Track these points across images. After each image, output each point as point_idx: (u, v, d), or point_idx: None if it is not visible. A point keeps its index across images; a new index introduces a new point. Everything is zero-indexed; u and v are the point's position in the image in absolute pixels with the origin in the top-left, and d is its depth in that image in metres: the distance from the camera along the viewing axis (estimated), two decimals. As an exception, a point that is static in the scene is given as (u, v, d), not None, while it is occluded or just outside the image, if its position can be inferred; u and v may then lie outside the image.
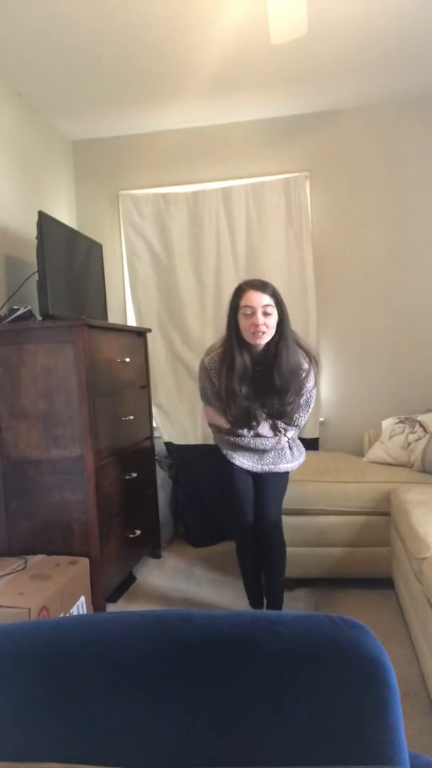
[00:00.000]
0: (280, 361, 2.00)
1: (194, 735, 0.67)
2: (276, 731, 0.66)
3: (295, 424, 2.14)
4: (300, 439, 3.49)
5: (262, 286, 1.97)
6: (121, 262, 3.60)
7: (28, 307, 2.51)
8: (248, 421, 2.08)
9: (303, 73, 2.90)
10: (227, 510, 2.33)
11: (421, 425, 2.90)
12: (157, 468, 3.26)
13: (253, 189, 3.36)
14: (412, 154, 3.31)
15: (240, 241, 3.36)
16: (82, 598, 2.23)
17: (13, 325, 2.38)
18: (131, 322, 3.60)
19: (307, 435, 3.37)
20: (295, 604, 2.51)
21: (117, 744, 0.68)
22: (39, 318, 2.49)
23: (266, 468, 2.20)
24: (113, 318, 3.55)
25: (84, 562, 2.28)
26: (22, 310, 2.46)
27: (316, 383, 2.12)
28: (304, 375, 2.05)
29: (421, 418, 2.96)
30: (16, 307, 2.49)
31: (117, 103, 3.12)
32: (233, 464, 2.20)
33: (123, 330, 2.83)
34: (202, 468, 3.33)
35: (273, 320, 1.97)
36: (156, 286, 3.50)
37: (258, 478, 2.24)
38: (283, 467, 2.21)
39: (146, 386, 3.12)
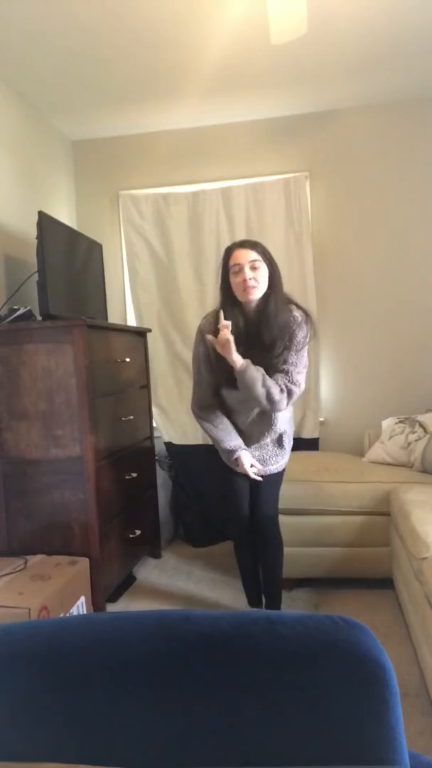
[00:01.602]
0: (269, 312, 1.97)
1: (194, 735, 0.67)
2: (276, 731, 0.66)
3: (294, 380, 1.99)
4: (300, 439, 3.50)
5: (248, 243, 2.01)
6: (121, 262, 3.60)
7: (28, 307, 2.51)
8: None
9: (303, 73, 2.90)
10: (224, 507, 2.33)
11: (421, 425, 2.90)
12: (157, 468, 3.26)
13: (253, 189, 3.36)
14: (412, 154, 3.31)
15: (240, 241, 3.36)
16: (82, 598, 2.23)
17: (13, 325, 2.38)
18: (131, 322, 3.60)
19: (307, 435, 3.37)
20: (295, 604, 2.51)
21: (117, 744, 0.68)
22: (39, 318, 2.49)
23: (270, 469, 2.19)
24: (113, 318, 3.55)
25: (84, 562, 2.28)
26: (22, 310, 2.46)
27: (310, 339, 2.03)
28: (295, 327, 1.99)
29: (421, 418, 2.96)
30: (16, 307, 2.49)
31: (117, 103, 3.12)
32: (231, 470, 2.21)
33: (123, 330, 2.83)
34: (202, 468, 3.33)
35: (262, 274, 1.97)
36: (156, 286, 3.50)
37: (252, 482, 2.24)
38: (272, 468, 2.19)
39: (146, 386, 3.12)
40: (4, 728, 0.71)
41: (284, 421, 2.18)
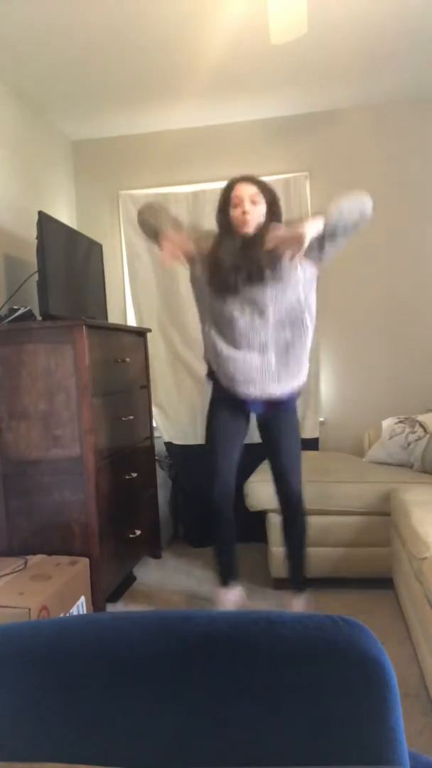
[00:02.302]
0: (257, 240, 1.98)
1: (194, 735, 0.67)
2: (276, 731, 0.66)
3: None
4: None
5: (250, 178, 2.08)
6: (121, 262, 3.60)
7: (28, 307, 2.51)
8: (228, 275, 2.00)
9: (303, 73, 2.90)
10: (211, 480, 2.25)
11: (421, 425, 2.90)
12: (157, 468, 3.26)
13: (253, 189, 3.36)
14: (412, 154, 3.31)
15: (240, 241, 3.36)
16: (82, 598, 2.23)
17: (13, 325, 2.38)
18: (131, 322, 3.60)
19: (307, 435, 3.37)
20: (295, 604, 2.51)
21: (117, 744, 0.68)
22: (39, 318, 2.49)
23: (271, 389, 2.07)
24: (113, 318, 3.55)
25: (84, 562, 2.28)
26: (22, 310, 2.46)
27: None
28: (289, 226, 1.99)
29: (421, 418, 2.96)
30: (16, 307, 2.49)
31: (117, 103, 3.12)
32: (221, 403, 2.17)
33: (123, 330, 2.83)
34: (202, 468, 3.33)
35: (261, 209, 2.03)
36: (156, 286, 3.50)
37: (264, 429, 2.21)
38: (289, 385, 2.08)
39: (146, 386, 3.12)
40: (4, 728, 0.71)
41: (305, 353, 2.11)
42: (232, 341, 2.08)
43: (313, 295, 2.11)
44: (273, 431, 2.22)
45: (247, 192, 2.03)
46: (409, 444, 2.87)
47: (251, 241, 2.02)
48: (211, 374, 2.24)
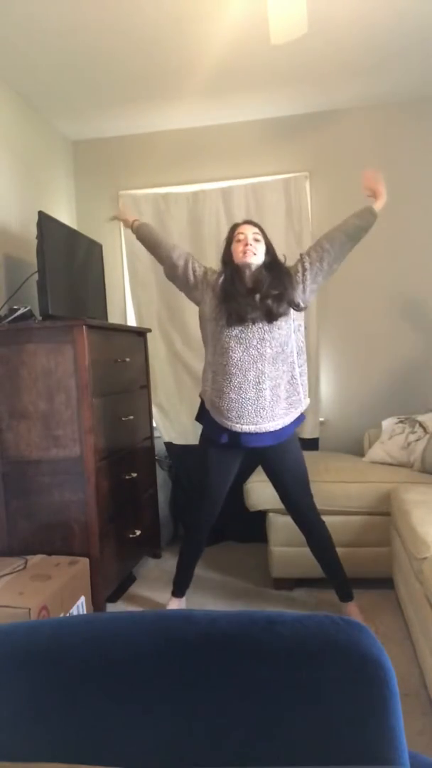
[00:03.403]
0: (262, 277, 2.12)
1: (194, 735, 0.67)
2: (276, 731, 0.66)
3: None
4: (300, 439, 3.51)
5: (253, 222, 2.26)
6: (121, 262, 3.60)
7: (28, 307, 2.51)
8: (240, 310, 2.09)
9: (303, 73, 2.90)
10: (196, 504, 2.33)
11: (421, 425, 2.90)
12: (157, 468, 3.26)
13: (253, 189, 3.36)
14: (412, 154, 3.31)
15: (240, 241, 3.37)
16: (82, 598, 2.23)
17: (13, 325, 2.38)
18: (131, 322, 3.60)
19: (307, 435, 3.37)
20: (295, 605, 2.51)
21: (117, 744, 0.68)
22: (39, 318, 2.49)
23: (268, 426, 2.10)
24: (113, 318, 3.55)
25: (84, 562, 2.28)
26: (22, 310, 2.46)
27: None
28: (292, 265, 2.22)
29: (421, 418, 2.96)
30: (16, 307, 2.49)
31: (117, 103, 3.12)
32: (215, 443, 2.20)
33: (123, 330, 2.83)
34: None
35: (261, 248, 2.17)
36: (156, 286, 3.50)
37: (266, 462, 2.23)
38: (286, 420, 2.14)
39: (146, 386, 3.12)
40: (4, 728, 0.71)
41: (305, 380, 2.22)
42: (228, 376, 2.11)
43: (303, 334, 2.23)
44: (274, 460, 2.22)
45: (250, 230, 2.18)
46: (409, 444, 2.87)
47: (260, 283, 2.10)
48: (201, 416, 2.30)
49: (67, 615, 2.10)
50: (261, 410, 2.09)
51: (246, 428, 2.11)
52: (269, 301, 2.06)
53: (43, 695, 0.70)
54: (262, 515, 2.78)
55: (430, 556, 1.77)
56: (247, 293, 2.09)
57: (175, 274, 2.30)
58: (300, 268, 2.18)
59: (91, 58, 2.65)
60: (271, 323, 2.07)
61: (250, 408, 2.09)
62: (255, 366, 2.08)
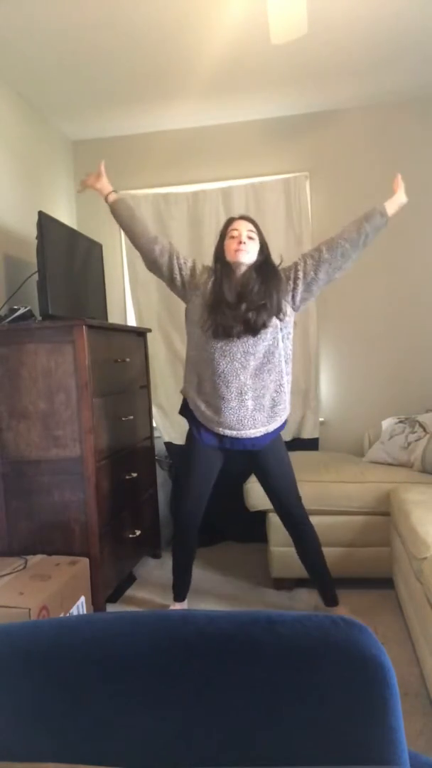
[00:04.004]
0: (251, 279, 2.08)
1: (194, 735, 0.67)
2: (275, 731, 0.66)
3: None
4: (300, 439, 3.50)
5: (248, 217, 2.19)
6: (121, 262, 3.60)
7: (28, 307, 2.51)
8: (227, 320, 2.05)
9: (303, 73, 2.90)
10: (180, 505, 2.31)
11: (421, 425, 2.90)
12: (157, 468, 3.26)
13: (253, 189, 3.36)
14: (412, 154, 3.31)
15: (240, 241, 3.37)
16: (82, 598, 2.23)
17: (13, 325, 2.38)
18: (131, 322, 3.60)
19: (307, 435, 3.37)
20: (295, 604, 2.51)
21: (117, 744, 0.68)
22: (39, 318, 2.49)
23: (249, 433, 2.11)
24: (113, 318, 3.55)
25: (84, 562, 2.28)
26: (22, 310, 2.46)
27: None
28: (285, 272, 2.15)
29: (421, 418, 2.96)
30: (16, 307, 2.49)
31: (117, 103, 3.12)
32: (199, 441, 2.19)
33: (123, 330, 2.83)
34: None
35: (254, 246, 2.12)
36: (156, 286, 3.50)
37: (252, 464, 2.23)
38: (269, 428, 2.13)
39: (146, 386, 3.12)
40: (5, 728, 0.71)
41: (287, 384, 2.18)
42: (211, 384, 2.11)
43: (291, 341, 2.17)
44: (260, 463, 2.22)
45: (245, 227, 2.12)
46: (409, 444, 2.87)
47: (248, 289, 2.06)
48: (186, 411, 2.26)
49: (67, 615, 2.10)
50: (243, 419, 2.10)
51: (228, 432, 2.12)
52: (251, 315, 2.02)
53: (43, 695, 0.70)
54: (262, 515, 2.78)
55: (430, 556, 1.77)
56: (234, 302, 2.05)
57: (156, 270, 2.22)
58: (293, 275, 2.13)
59: (91, 58, 2.65)
60: (255, 336, 2.05)
61: (232, 416, 2.10)
62: (238, 378, 2.07)
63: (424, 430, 2.88)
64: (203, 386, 2.15)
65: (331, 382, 3.45)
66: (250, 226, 2.13)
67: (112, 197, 2.25)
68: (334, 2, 2.31)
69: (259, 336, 2.05)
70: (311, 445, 3.37)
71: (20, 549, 2.40)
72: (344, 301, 3.41)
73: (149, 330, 3.26)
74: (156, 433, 3.38)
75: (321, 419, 3.44)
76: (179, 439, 3.45)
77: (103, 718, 0.68)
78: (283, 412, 2.17)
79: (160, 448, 3.43)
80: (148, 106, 3.19)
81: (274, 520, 2.62)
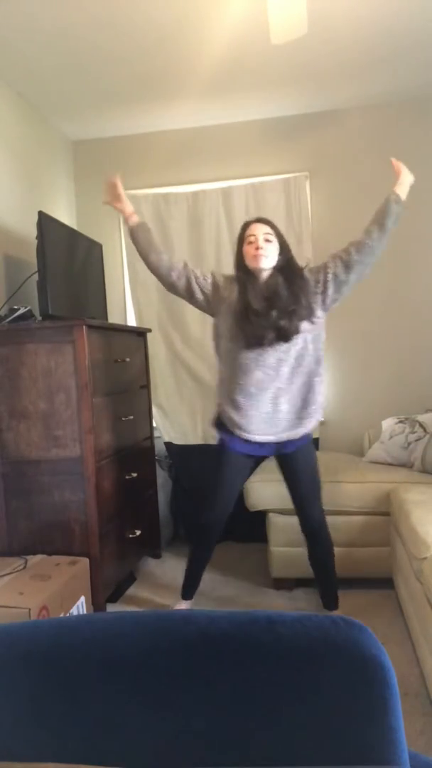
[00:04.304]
0: (278, 284, 2.06)
1: (194, 735, 0.67)
2: (275, 731, 0.66)
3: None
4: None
5: (264, 219, 2.16)
6: (121, 262, 3.60)
7: (28, 307, 2.51)
8: (259, 329, 2.04)
9: (303, 73, 2.90)
10: (208, 508, 2.31)
11: (421, 425, 2.90)
12: (157, 468, 3.26)
13: (253, 189, 3.36)
14: (412, 154, 3.30)
15: (240, 241, 3.36)
16: (82, 598, 2.23)
17: (13, 325, 2.38)
18: (131, 322, 3.60)
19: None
20: (295, 604, 2.51)
21: (117, 744, 0.68)
22: (39, 318, 2.49)
23: (284, 435, 2.12)
24: (113, 318, 3.55)
25: (84, 562, 2.28)
26: (22, 310, 2.46)
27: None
28: (313, 274, 2.13)
29: (421, 418, 2.96)
30: (16, 307, 2.49)
31: (117, 103, 3.12)
32: (229, 447, 2.19)
33: (123, 330, 2.83)
34: (202, 468, 3.33)
35: (273, 248, 2.09)
36: (156, 286, 3.49)
37: (280, 462, 2.23)
38: (302, 430, 2.14)
39: (146, 386, 3.12)
40: (5, 728, 0.71)
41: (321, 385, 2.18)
42: (246, 394, 2.11)
43: (322, 342, 2.16)
44: (290, 464, 2.22)
45: (261, 231, 2.09)
46: (409, 444, 2.87)
47: (276, 295, 2.05)
48: (219, 424, 2.25)
49: (67, 615, 2.10)
50: (278, 422, 2.11)
51: (262, 438, 2.13)
52: (284, 322, 2.01)
53: (43, 695, 0.70)
54: (262, 515, 2.78)
55: (430, 556, 1.77)
56: (263, 310, 2.03)
57: (176, 292, 2.25)
58: (322, 277, 2.10)
59: (91, 58, 2.65)
60: (287, 341, 2.04)
61: (267, 422, 2.11)
62: (273, 384, 2.08)
63: (424, 430, 2.88)
64: (237, 397, 2.13)
65: (331, 382, 3.45)
66: (267, 229, 2.10)
67: (133, 221, 2.22)
68: (334, 2, 2.31)
69: (290, 342, 2.05)
70: (311, 445, 3.36)
71: (20, 549, 2.40)
72: (344, 300, 3.40)
73: (149, 330, 3.26)
74: (156, 433, 3.38)
75: (321, 419, 3.43)
76: (179, 439, 3.45)
77: (103, 718, 0.68)
78: (316, 413, 2.18)
79: (160, 448, 3.43)
80: (148, 106, 3.19)
81: (274, 520, 2.62)
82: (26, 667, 0.71)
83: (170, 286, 2.24)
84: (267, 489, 2.60)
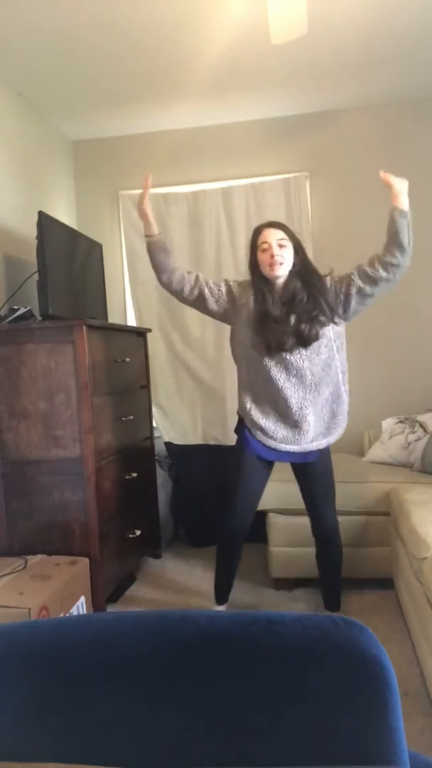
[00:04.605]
0: (296, 288, 2.04)
1: (194, 735, 0.67)
2: (276, 731, 0.66)
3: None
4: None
5: (276, 223, 2.11)
6: (121, 262, 3.60)
7: (28, 307, 2.51)
8: (275, 335, 2.01)
9: (303, 73, 2.90)
10: (230, 511, 2.24)
11: (421, 425, 2.90)
12: (157, 468, 3.26)
13: (253, 189, 3.36)
14: (413, 154, 3.31)
15: (240, 241, 3.36)
16: (82, 598, 2.23)
17: (13, 325, 2.38)
18: (131, 322, 3.60)
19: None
20: (295, 604, 2.51)
21: (117, 744, 0.68)
22: (39, 318, 2.49)
23: (311, 446, 2.11)
24: (113, 318, 3.55)
25: (84, 562, 2.28)
26: (22, 310, 2.46)
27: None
28: (334, 282, 2.10)
29: (421, 418, 2.96)
30: (16, 307, 2.49)
31: (117, 103, 3.12)
32: (252, 450, 2.15)
33: (123, 330, 2.83)
34: (202, 468, 3.33)
35: (288, 252, 2.05)
36: (156, 286, 3.49)
37: (300, 474, 2.22)
38: (329, 440, 2.14)
39: (146, 386, 3.12)
40: (5, 728, 0.71)
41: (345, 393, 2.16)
42: (271, 402, 2.10)
43: (345, 351, 2.15)
44: (309, 469, 2.21)
45: (274, 237, 2.05)
46: (409, 444, 2.87)
47: (295, 300, 2.03)
48: (241, 427, 2.21)
49: (67, 615, 2.10)
50: (305, 433, 2.10)
51: (288, 448, 2.12)
52: (304, 326, 1.99)
53: (44, 695, 0.70)
54: (262, 515, 2.77)
55: (430, 556, 1.77)
56: (282, 316, 2.01)
57: (190, 305, 2.23)
58: (344, 289, 2.07)
59: (91, 58, 2.65)
60: (308, 348, 2.02)
61: (293, 431, 2.10)
62: (297, 393, 2.06)
63: (424, 430, 2.88)
64: (263, 405, 2.11)
65: (331, 382, 3.45)
66: (280, 234, 2.05)
67: (156, 237, 2.16)
68: (334, 2, 2.31)
69: (312, 348, 2.02)
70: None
71: (20, 549, 2.40)
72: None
73: (149, 330, 3.26)
74: (156, 433, 3.38)
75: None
76: (179, 439, 3.45)
77: (103, 717, 0.68)
78: (343, 422, 2.18)
79: (160, 448, 3.43)
80: (148, 106, 3.19)
81: (274, 520, 2.62)
82: (26, 667, 0.71)
83: (184, 300, 2.20)
84: (267, 489, 2.59)
